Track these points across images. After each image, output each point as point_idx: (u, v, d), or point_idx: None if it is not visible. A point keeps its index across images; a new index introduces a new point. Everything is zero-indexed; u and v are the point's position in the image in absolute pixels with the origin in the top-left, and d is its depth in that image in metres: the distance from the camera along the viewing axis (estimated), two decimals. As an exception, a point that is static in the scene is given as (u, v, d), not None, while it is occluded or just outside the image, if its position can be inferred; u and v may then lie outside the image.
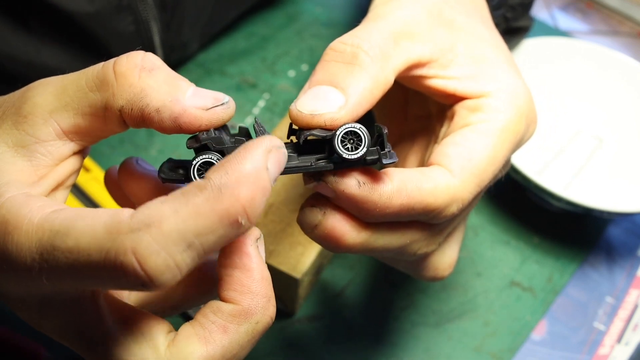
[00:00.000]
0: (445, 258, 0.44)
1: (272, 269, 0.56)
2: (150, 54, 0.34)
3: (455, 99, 0.43)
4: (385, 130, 0.35)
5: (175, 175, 0.35)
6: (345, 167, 0.35)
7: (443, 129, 0.44)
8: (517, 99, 0.42)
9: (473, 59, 0.42)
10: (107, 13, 0.64)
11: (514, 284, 0.65)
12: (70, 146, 0.35)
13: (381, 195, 0.36)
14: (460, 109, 0.42)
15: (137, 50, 0.35)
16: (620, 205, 0.63)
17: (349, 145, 0.34)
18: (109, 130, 0.35)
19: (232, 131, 0.38)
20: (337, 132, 0.34)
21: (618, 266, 0.68)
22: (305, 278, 0.57)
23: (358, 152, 0.34)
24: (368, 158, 0.35)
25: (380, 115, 0.51)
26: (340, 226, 0.37)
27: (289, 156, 0.35)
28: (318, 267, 0.60)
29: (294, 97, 0.78)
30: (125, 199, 0.42)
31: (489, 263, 0.66)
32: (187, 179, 0.34)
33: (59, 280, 0.30)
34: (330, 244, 0.38)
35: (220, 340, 0.33)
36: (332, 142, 0.34)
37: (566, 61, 0.77)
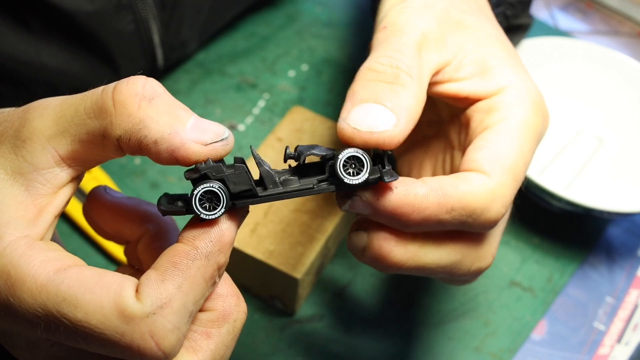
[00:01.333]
0: (487, 247, 0.43)
1: (272, 269, 0.56)
2: (151, 80, 0.34)
3: (468, 101, 0.43)
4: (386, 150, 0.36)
5: (175, 207, 0.35)
6: (347, 189, 0.35)
7: (462, 136, 0.44)
8: (530, 93, 0.42)
9: (482, 57, 0.43)
10: (107, 12, 0.64)
11: (514, 284, 0.65)
12: (68, 172, 0.34)
13: (416, 195, 0.36)
14: (474, 113, 0.42)
15: (139, 74, 0.34)
16: (621, 205, 0.63)
17: (350, 170, 0.34)
18: (106, 157, 0.35)
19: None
20: (339, 157, 0.34)
21: (618, 266, 0.68)
22: (305, 278, 0.57)
23: (360, 177, 0.34)
24: (370, 178, 0.35)
25: None
26: (386, 244, 0.38)
27: (289, 179, 0.35)
28: (318, 267, 0.60)
29: (294, 97, 0.78)
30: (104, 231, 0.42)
31: (489, 263, 0.66)
32: (189, 211, 0.34)
33: (62, 340, 0.32)
34: (381, 264, 0.38)
35: (207, 345, 0.35)
36: (334, 167, 0.34)
37: (566, 61, 0.77)
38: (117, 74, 0.69)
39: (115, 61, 0.68)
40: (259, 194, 0.34)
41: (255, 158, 0.35)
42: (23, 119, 0.33)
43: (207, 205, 0.33)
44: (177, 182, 0.69)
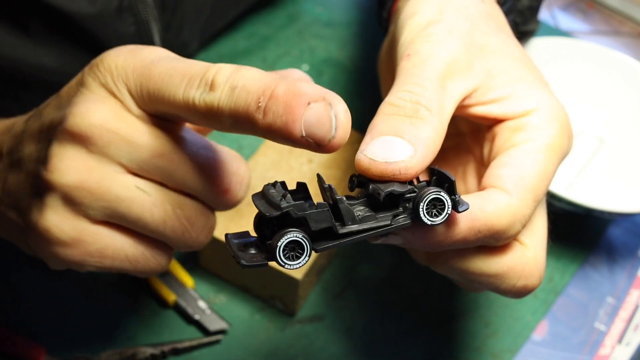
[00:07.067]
0: (532, 263, 0.43)
1: (272, 270, 0.56)
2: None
3: (496, 121, 0.44)
4: (454, 178, 0.36)
5: (258, 261, 0.34)
6: (424, 226, 0.36)
7: (485, 151, 0.46)
8: (558, 115, 0.43)
9: (509, 79, 0.44)
10: (108, 14, 0.64)
11: (514, 285, 0.65)
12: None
13: (447, 224, 0.37)
14: (501, 130, 0.44)
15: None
16: (622, 205, 0.63)
17: (430, 210, 0.35)
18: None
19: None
20: (422, 201, 0.35)
21: (619, 266, 0.68)
22: (305, 278, 0.57)
23: (443, 218, 0.35)
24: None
25: None
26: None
27: (366, 217, 0.35)
28: (319, 268, 0.60)
29: (295, 97, 0.77)
30: None
31: (489, 263, 0.66)
32: (271, 260, 0.33)
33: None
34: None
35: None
36: (416, 208, 0.35)
37: (567, 61, 0.77)
38: None
39: None
40: (340, 232, 0.34)
41: (333, 193, 0.35)
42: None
43: (289, 255, 0.33)
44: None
